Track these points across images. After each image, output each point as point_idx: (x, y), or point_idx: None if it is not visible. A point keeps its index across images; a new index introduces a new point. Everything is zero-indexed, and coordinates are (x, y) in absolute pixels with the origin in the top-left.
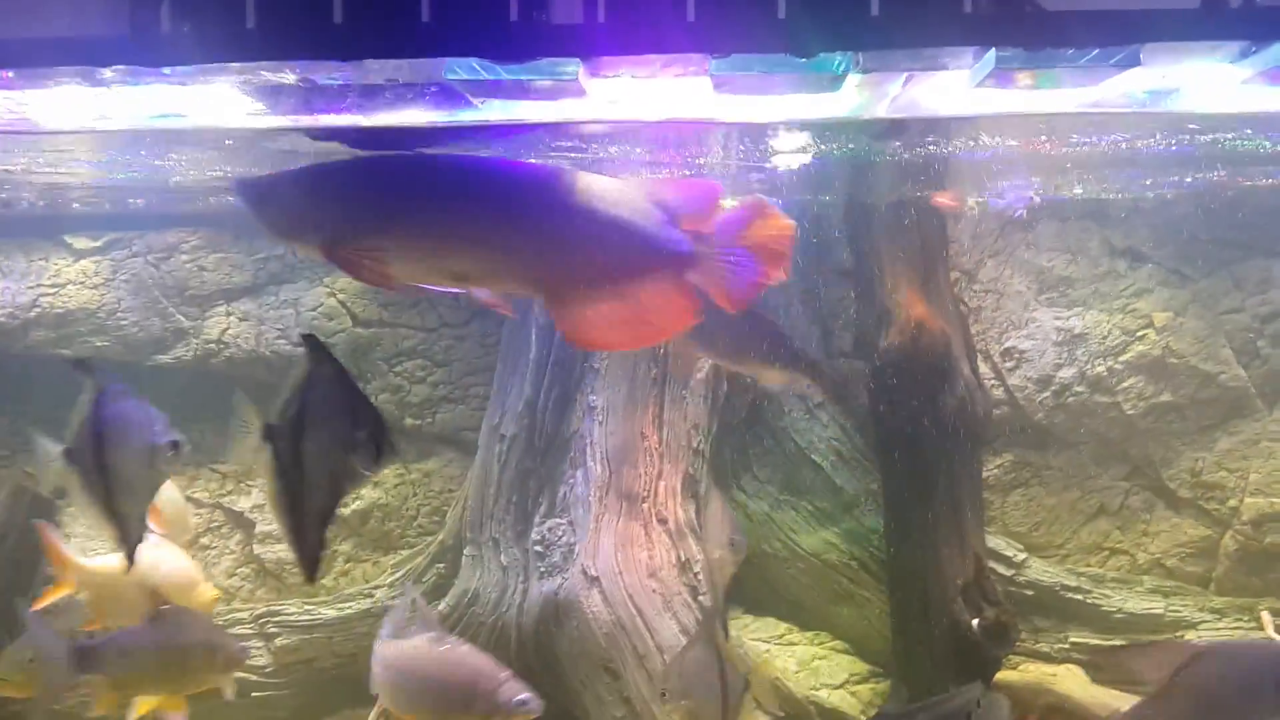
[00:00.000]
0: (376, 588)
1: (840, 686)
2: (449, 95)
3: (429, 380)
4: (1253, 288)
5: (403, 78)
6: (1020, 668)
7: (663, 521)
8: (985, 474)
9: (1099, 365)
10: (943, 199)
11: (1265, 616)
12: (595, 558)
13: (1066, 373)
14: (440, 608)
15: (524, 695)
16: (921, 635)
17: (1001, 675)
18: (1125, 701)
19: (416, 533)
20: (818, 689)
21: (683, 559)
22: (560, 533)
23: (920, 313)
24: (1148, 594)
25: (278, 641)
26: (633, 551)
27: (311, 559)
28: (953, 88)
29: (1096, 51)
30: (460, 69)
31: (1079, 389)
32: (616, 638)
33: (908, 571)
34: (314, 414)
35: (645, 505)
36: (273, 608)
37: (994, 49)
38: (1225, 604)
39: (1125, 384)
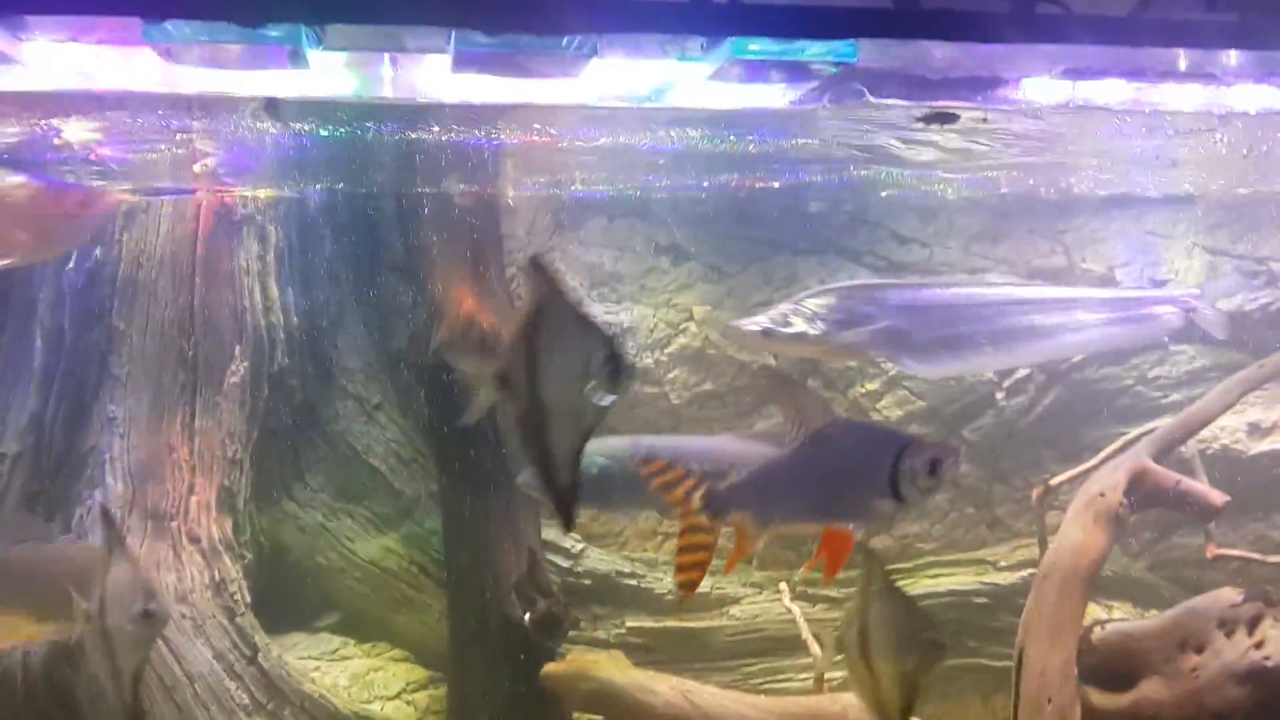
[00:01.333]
0: None
1: (395, 697)
2: None
3: None
4: (779, 282)
5: None
6: (568, 656)
7: (194, 540)
8: None
9: (647, 357)
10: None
11: (783, 587)
12: None
13: None
14: None
15: None
16: (476, 632)
17: (548, 666)
18: (660, 682)
19: None
20: (370, 701)
21: (218, 579)
22: None
23: (470, 308)
24: None
25: None
26: (160, 575)
27: (568, 504)
28: (435, 72)
29: (573, 41)
30: None
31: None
32: None
33: (464, 571)
34: (547, 348)
35: (174, 524)
36: None
37: (454, 31)
38: (764, 577)
39: (671, 374)
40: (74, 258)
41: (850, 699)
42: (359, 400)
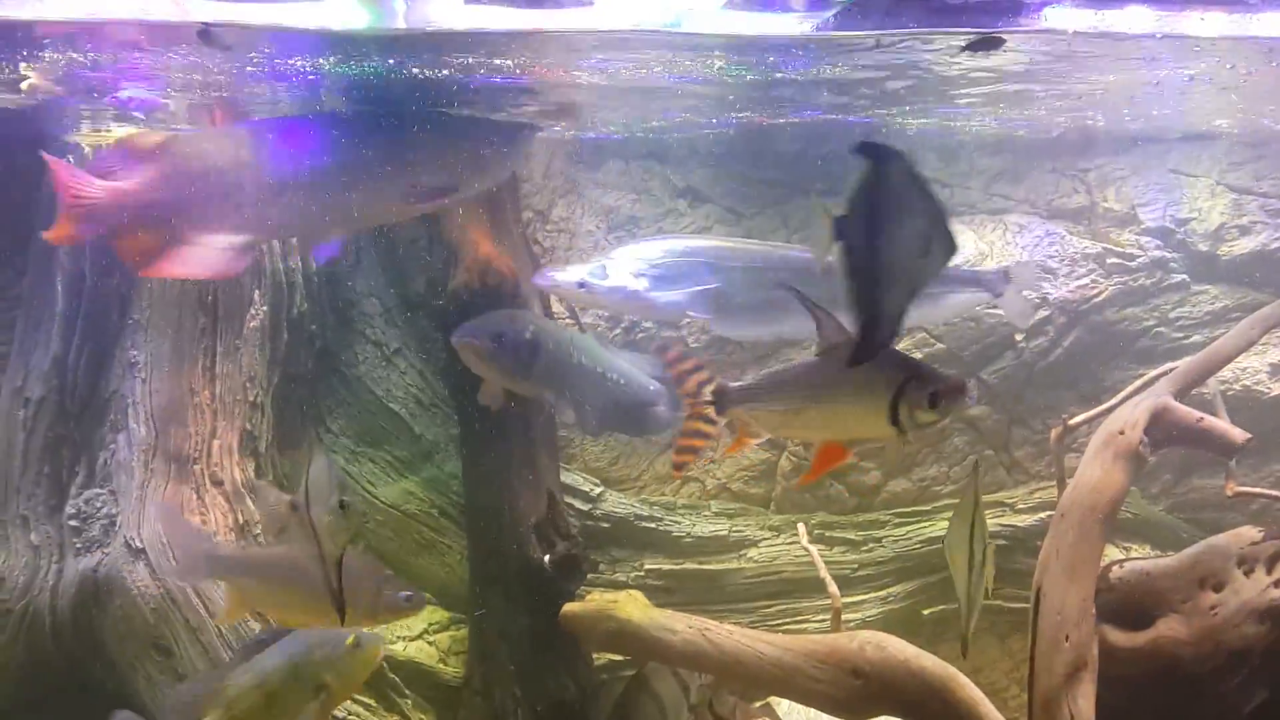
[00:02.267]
0: None
1: (418, 637)
2: None
3: None
4: (796, 224)
5: None
6: (587, 597)
7: (218, 483)
8: None
9: None
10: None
11: (801, 527)
12: (140, 528)
13: None
14: None
15: None
16: (497, 574)
17: (568, 606)
18: (679, 621)
19: None
20: (393, 642)
21: (241, 521)
22: (100, 504)
23: (487, 251)
24: (714, 518)
25: None
26: (184, 518)
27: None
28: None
29: None
30: None
31: (648, 325)
32: (166, 612)
33: (484, 514)
34: (891, 214)
35: (197, 467)
36: None
37: None
38: (783, 521)
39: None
40: None
41: (866, 635)
42: (378, 345)
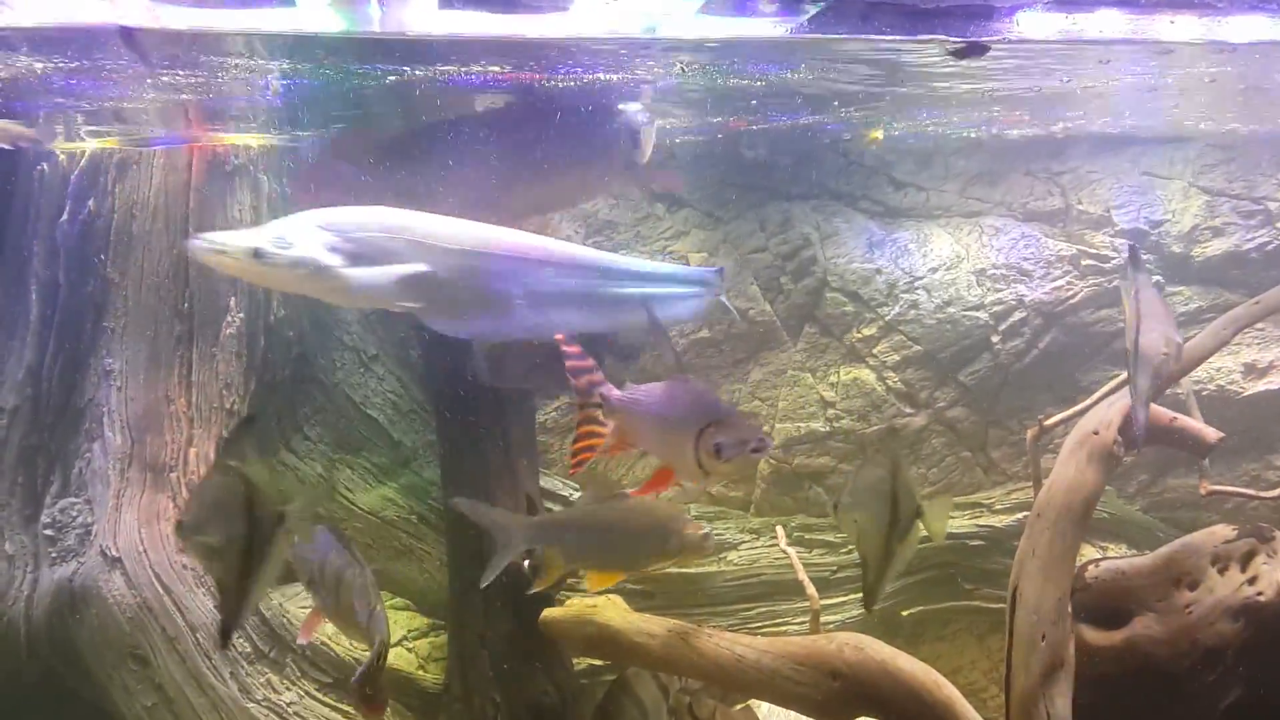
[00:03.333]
0: None
1: (396, 644)
2: None
3: None
4: (774, 228)
5: None
6: (567, 602)
7: None
8: (543, 418)
9: None
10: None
11: (780, 530)
12: (116, 537)
13: None
14: None
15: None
16: (476, 580)
17: (547, 611)
18: (658, 625)
19: None
20: None
21: None
22: (75, 513)
23: None
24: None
25: None
26: (159, 527)
27: None
28: (422, 8)
29: None
30: None
31: None
32: (143, 621)
33: (463, 520)
34: None
35: (174, 475)
36: None
37: None
38: (762, 524)
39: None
40: (67, 209)
41: (845, 637)
42: (356, 351)
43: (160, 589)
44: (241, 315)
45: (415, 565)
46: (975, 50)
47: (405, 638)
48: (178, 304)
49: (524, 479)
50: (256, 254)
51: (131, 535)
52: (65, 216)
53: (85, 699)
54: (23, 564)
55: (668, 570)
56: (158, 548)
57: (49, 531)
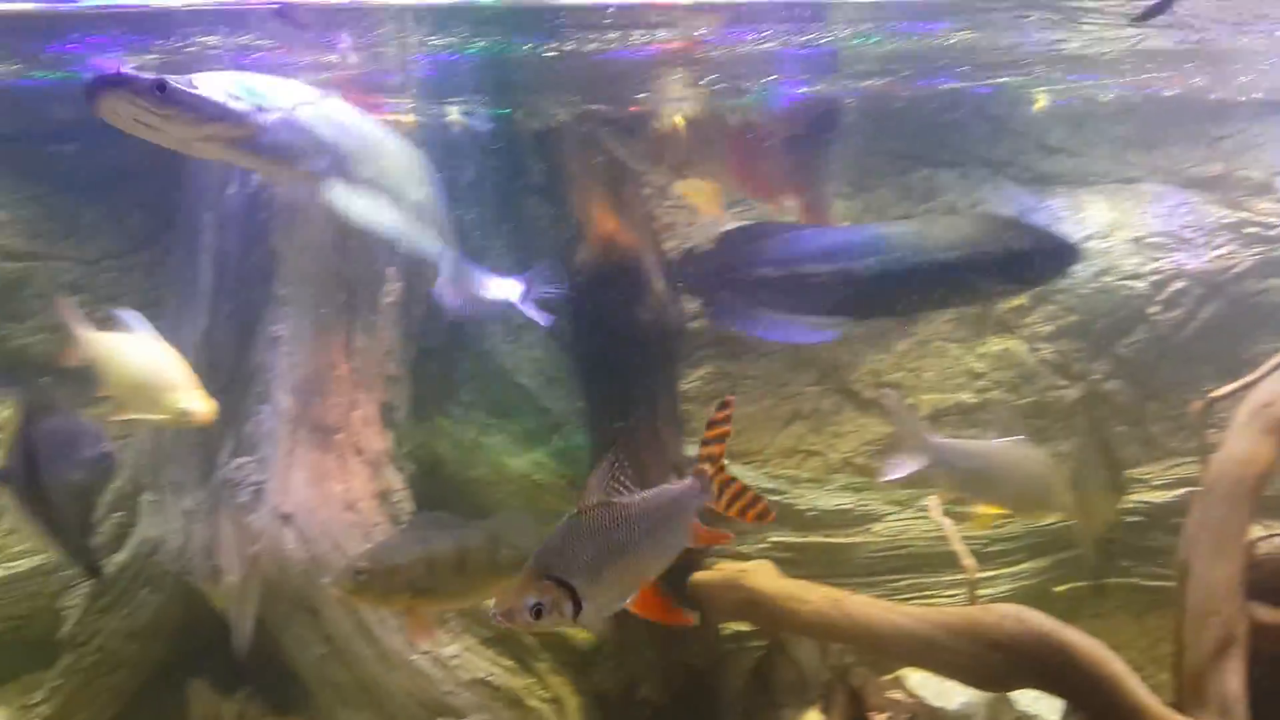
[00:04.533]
0: None
1: None
2: None
3: (93, 317)
4: (919, 197)
5: None
6: (716, 566)
7: (359, 453)
8: (686, 386)
9: None
10: None
11: (934, 500)
12: (287, 494)
13: None
14: (119, 558)
15: None
16: None
17: (697, 575)
18: (810, 591)
19: None
20: None
21: (382, 490)
22: (248, 471)
23: (610, 228)
24: (839, 491)
25: None
26: (327, 485)
27: None
28: None
29: None
30: None
31: None
32: (313, 575)
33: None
34: None
35: (340, 437)
36: None
37: None
38: (908, 496)
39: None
40: (235, 181)
41: (1003, 608)
42: (505, 320)
43: (330, 544)
44: (399, 284)
45: None
46: (1160, 8)
47: None
48: (339, 273)
49: (670, 446)
50: (163, 87)
51: (301, 493)
52: (234, 188)
53: (259, 646)
54: (200, 519)
55: (812, 539)
56: (327, 505)
57: (224, 489)
